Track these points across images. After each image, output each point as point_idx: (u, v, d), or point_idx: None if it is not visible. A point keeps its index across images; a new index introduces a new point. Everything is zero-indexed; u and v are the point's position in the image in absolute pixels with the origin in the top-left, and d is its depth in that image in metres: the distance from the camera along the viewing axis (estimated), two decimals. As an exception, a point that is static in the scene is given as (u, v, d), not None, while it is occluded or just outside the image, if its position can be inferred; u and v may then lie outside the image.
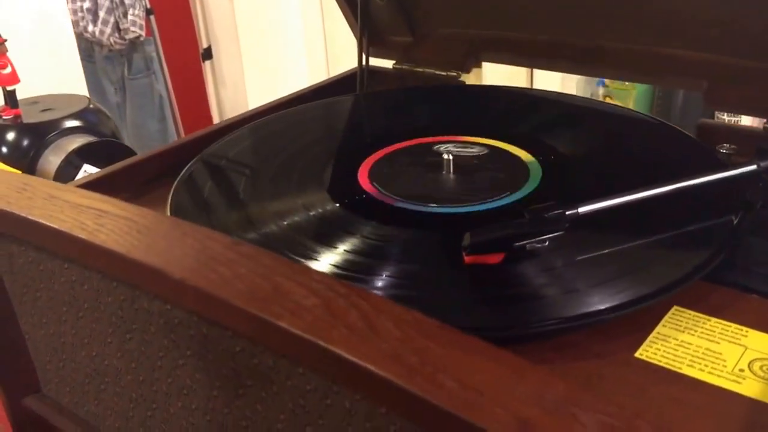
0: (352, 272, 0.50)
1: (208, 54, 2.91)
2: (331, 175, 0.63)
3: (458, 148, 0.63)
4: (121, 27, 2.50)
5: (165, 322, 0.45)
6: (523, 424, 0.28)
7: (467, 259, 0.47)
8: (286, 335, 0.34)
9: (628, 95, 2.15)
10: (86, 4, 2.48)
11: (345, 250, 0.52)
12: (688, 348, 0.43)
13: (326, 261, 0.51)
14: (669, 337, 0.44)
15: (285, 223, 0.56)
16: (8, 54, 1.39)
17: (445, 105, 0.77)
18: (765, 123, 0.64)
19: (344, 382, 0.36)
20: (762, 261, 0.49)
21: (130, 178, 0.69)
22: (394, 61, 0.86)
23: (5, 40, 1.40)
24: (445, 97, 0.79)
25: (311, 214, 0.57)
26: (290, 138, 0.71)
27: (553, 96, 0.78)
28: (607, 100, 2.23)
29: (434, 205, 0.56)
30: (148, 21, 2.58)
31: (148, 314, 0.46)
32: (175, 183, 0.62)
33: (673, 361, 0.42)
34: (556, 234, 0.47)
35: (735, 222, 0.51)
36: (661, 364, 0.42)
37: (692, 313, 0.46)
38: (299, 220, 0.57)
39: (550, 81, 1.80)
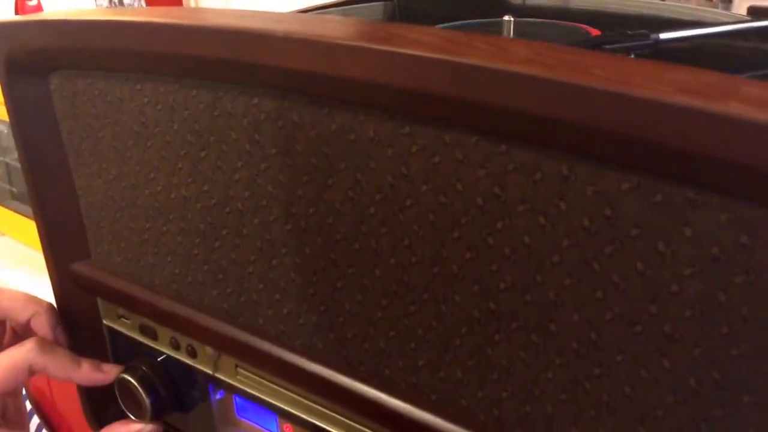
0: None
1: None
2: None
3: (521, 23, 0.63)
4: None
5: (249, 122, 0.44)
6: (683, 91, 0.27)
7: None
8: (410, 61, 0.34)
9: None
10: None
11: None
12: None
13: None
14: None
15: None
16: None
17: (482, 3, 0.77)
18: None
19: (461, 121, 0.35)
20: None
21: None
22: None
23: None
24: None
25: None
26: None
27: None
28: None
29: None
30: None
31: (230, 118, 0.45)
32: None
33: None
34: (641, 43, 0.47)
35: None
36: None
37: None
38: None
39: None
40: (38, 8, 1.37)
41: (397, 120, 0.37)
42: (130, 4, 2.49)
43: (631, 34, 0.48)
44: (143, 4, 2.59)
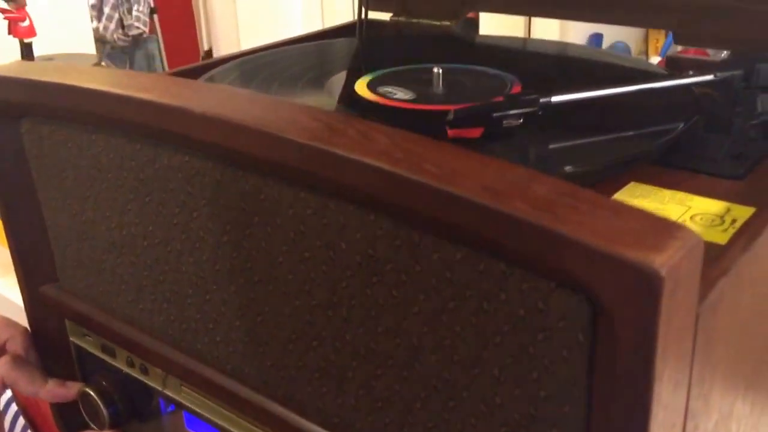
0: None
1: (209, 56, 2.99)
2: (331, 85, 0.70)
3: (447, 72, 0.69)
4: (125, 23, 2.58)
5: (183, 176, 0.51)
6: (487, 189, 0.34)
7: (450, 133, 0.53)
8: (292, 147, 0.40)
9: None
10: (91, 0, 2.55)
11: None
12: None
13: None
14: (623, 200, 0.50)
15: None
16: (27, 9, 1.46)
17: (436, 46, 0.84)
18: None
19: (340, 193, 0.42)
20: (711, 150, 0.56)
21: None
22: (391, 14, 0.92)
23: (26, -6, 1.46)
24: (435, 40, 0.86)
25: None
26: (283, 67, 0.77)
27: (537, 42, 0.85)
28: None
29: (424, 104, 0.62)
30: (151, 19, 2.66)
31: (168, 170, 0.52)
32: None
33: (627, 214, 0.48)
34: (529, 110, 0.54)
35: (690, 122, 0.58)
36: (615, 217, 0.48)
37: (647, 185, 0.52)
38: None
39: (547, 28, 1.85)
40: (30, 29, 1.44)
41: (294, 187, 0.44)
42: (137, 16, 2.55)
43: (523, 99, 0.54)
44: (150, 2, 2.64)
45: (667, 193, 0.51)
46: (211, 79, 0.72)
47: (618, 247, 0.30)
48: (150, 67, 2.72)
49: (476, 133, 0.53)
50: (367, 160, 0.37)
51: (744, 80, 0.60)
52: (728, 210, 0.49)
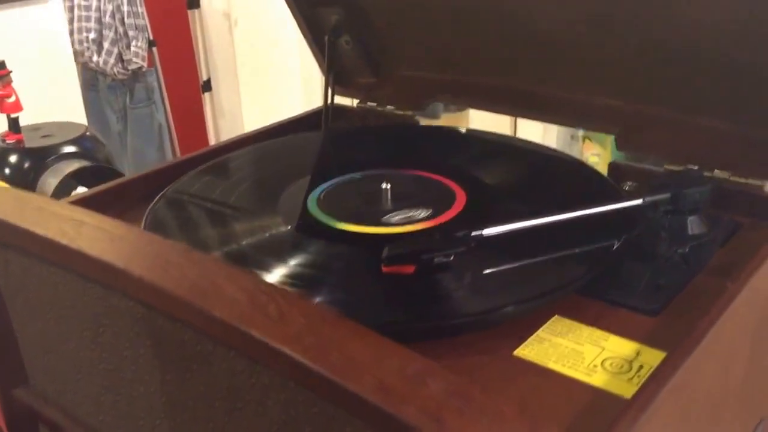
0: (291, 279, 0.59)
1: (207, 86, 3.03)
2: (282, 202, 0.73)
3: (395, 181, 0.72)
4: (125, 58, 2.62)
5: (130, 318, 0.55)
6: (381, 388, 0.38)
7: (384, 269, 0.56)
8: (219, 323, 0.44)
9: (605, 137, 2.25)
10: (92, 35, 2.59)
11: (287, 262, 0.62)
12: (557, 348, 0.52)
13: (273, 272, 0.61)
14: (545, 339, 0.53)
15: (243, 242, 0.66)
16: (13, 84, 1.50)
17: (392, 142, 0.87)
18: (666, 165, 0.73)
19: (262, 362, 0.45)
20: (632, 280, 0.59)
21: (118, 197, 0.78)
22: (358, 100, 0.96)
23: (11, 72, 1.51)
24: (392, 134, 0.89)
25: (263, 235, 0.67)
26: (248, 172, 0.81)
27: (482, 134, 0.89)
28: (587, 141, 2.34)
29: (365, 227, 0.65)
30: (150, 52, 2.69)
31: (118, 311, 0.55)
32: (145, 215, 0.71)
33: (543, 358, 0.52)
34: (459, 250, 0.57)
35: (615, 246, 0.60)
36: (533, 360, 0.52)
37: (569, 321, 0.55)
38: (252, 241, 0.66)
39: (532, 127, 1.90)
40: (16, 105, 1.48)
41: (225, 346, 0.47)
42: (136, 52, 2.59)
43: (455, 239, 0.57)
44: (149, 35, 2.68)
45: (585, 332, 0.54)
46: (177, 192, 0.76)
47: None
48: (149, 99, 2.76)
49: (410, 269, 0.56)
50: (278, 346, 0.41)
51: (671, 204, 0.63)
52: (638, 354, 0.52)
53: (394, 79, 0.94)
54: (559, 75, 0.80)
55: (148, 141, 2.75)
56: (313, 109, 0.96)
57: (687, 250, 0.62)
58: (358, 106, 0.96)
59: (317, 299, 0.57)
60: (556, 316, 0.56)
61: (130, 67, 2.63)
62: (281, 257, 0.63)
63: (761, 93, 0.67)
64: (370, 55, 0.93)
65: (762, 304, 0.60)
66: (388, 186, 0.70)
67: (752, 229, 0.67)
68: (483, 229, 0.59)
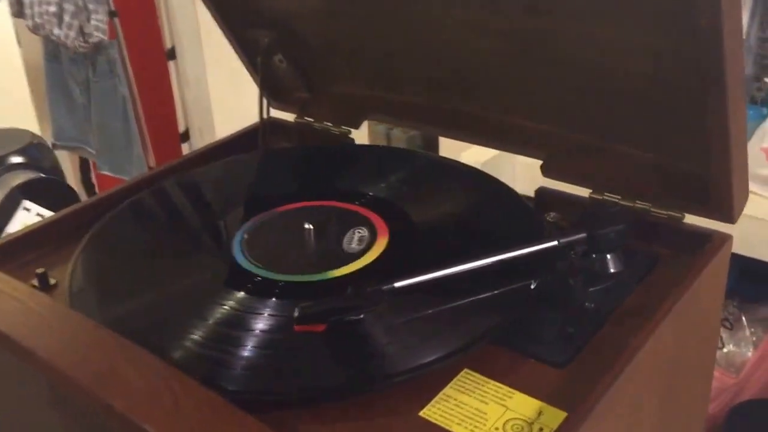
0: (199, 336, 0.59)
1: (172, 54, 2.99)
2: (202, 248, 0.74)
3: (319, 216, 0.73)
4: (85, 31, 2.59)
5: (47, 384, 0.56)
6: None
7: (296, 328, 0.57)
8: (117, 415, 0.45)
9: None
10: (51, 8, 2.56)
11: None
12: (462, 408, 0.54)
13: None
14: (451, 397, 0.55)
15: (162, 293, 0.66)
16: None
17: (314, 167, 0.87)
18: (590, 193, 0.74)
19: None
20: (544, 327, 0.60)
21: (52, 233, 0.78)
22: (295, 115, 0.96)
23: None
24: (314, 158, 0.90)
25: (182, 284, 0.67)
26: (171, 212, 0.81)
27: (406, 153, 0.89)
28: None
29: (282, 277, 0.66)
30: (111, 23, 2.66)
31: (33, 376, 0.56)
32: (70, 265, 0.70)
33: (448, 419, 0.53)
34: (371, 310, 0.58)
35: (525, 297, 0.62)
36: (437, 422, 0.53)
37: (477, 375, 0.57)
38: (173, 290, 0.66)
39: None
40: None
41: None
42: (96, 25, 2.56)
43: (366, 300, 0.58)
44: (111, 6, 2.65)
45: (492, 388, 0.56)
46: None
47: None
48: (112, 72, 2.73)
49: (321, 327, 0.57)
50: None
51: (587, 244, 0.64)
52: (540, 414, 0.53)
53: (329, 96, 0.94)
54: (486, 98, 0.80)
55: (112, 114, 2.73)
56: (247, 127, 0.96)
57: (602, 291, 0.63)
58: (295, 121, 0.96)
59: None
60: (465, 369, 0.57)
61: (90, 41, 2.60)
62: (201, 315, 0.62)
63: (680, 126, 0.67)
64: (304, 72, 0.93)
65: (670, 355, 0.61)
66: (311, 227, 0.71)
67: (670, 265, 0.68)
68: (394, 282, 0.60)
